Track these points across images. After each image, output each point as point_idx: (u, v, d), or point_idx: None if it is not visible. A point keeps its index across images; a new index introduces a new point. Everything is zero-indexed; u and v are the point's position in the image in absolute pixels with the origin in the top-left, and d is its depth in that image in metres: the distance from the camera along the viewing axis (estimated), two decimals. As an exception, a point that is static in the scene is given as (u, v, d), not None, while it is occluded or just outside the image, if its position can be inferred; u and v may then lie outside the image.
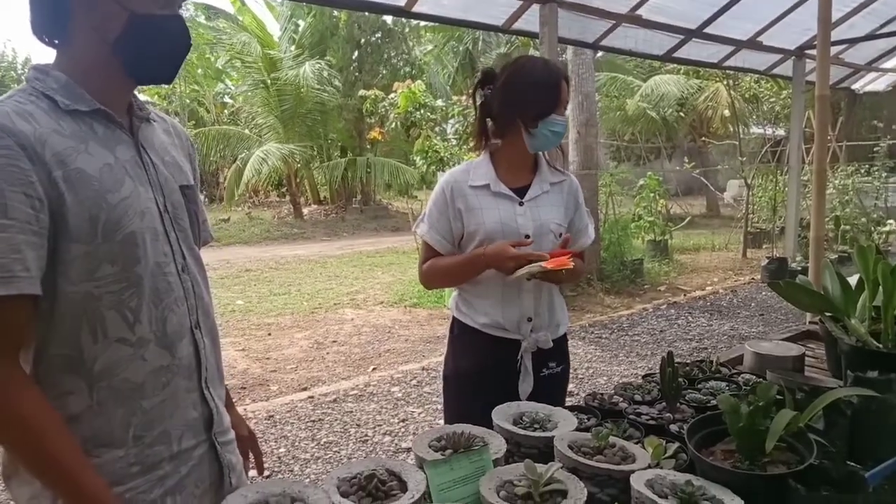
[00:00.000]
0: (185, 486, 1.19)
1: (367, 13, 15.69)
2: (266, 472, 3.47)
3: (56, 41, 1.12)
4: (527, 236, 1.83)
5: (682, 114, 15.91)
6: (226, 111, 20.88)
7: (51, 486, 1.06)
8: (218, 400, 1.28)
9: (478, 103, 1.95)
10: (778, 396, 1.26)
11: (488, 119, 1.95)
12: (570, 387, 4.59)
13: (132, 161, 1.14)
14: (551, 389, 1.92)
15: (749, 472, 1.12)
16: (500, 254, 1.75)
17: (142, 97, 1.25)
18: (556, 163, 2.02)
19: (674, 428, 1.45)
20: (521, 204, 1.88)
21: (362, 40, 17.38)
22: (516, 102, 1.84)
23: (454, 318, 1.99)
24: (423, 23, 15.31)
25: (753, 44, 6.84)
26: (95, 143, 1.09)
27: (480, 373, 1.90)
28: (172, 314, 1.16)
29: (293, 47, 16.58)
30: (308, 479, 3.43)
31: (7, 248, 0.96)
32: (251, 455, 1.51)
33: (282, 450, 3.83)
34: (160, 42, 1.14)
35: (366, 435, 4.01)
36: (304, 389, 4.91)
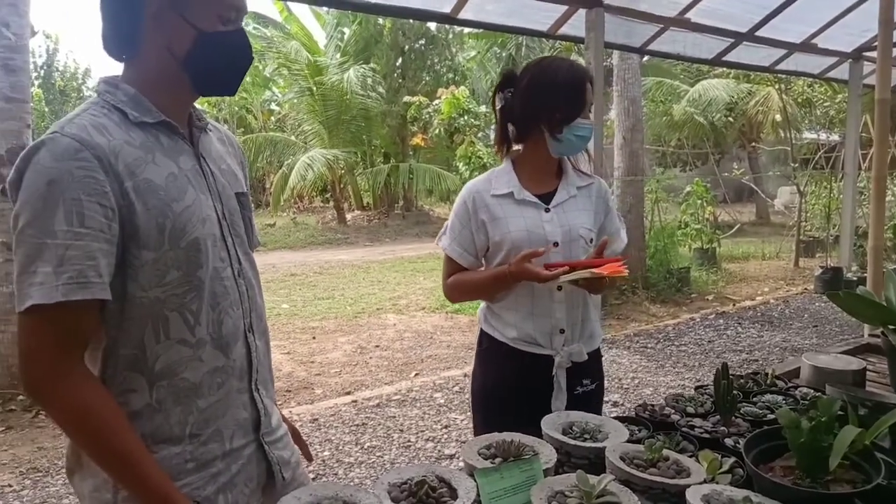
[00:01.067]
0: (235, 484, 1.23)
1: (411, 20, 15.84)
2: (311, 475, 3.51)
3: (124, 56, 1.17)
4: (555, 244, 1.76)
5: (731, 119, 15.53)
6: (272, 118, 21.32)
7: (116, 477, 1.09)
8: (267, 401, 1.31)
9: (497, 107, 1.87)
10: (839, 412, 1.21)
11: (509, 124, 1.86)
12: (616, 397, 4.52)
13: (193, 170, 1.19)
14: (585, 409, 1.77)
15: (812, 490, 1.09)
16: (522, 273, 1.67)
17: (193, 104, 1.30)
18: (580, 165, 1.93)
19: (729, 442, 1.42)
20: (547, 210, 1.80)
21: (406, 47, 17.54)
22: (540, 106, 1.76)
23: (482, 330, 1.90)
24: (466, 29, 15.36)
25: (807, 47, 6.63)
26: (161, 153, 1.14)
27: (510, 389, 1.81)
28: (228, 317, 1.20)
29: (338, 55, 16.83)
30: (352, 483, 3.46)
31: (83, 255, 1.02)
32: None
33: (326, 453, 3.87)
34: (225, 57, 1.19)
35: (409, 440, 4.02)
36: (348, 393, 4.96)
